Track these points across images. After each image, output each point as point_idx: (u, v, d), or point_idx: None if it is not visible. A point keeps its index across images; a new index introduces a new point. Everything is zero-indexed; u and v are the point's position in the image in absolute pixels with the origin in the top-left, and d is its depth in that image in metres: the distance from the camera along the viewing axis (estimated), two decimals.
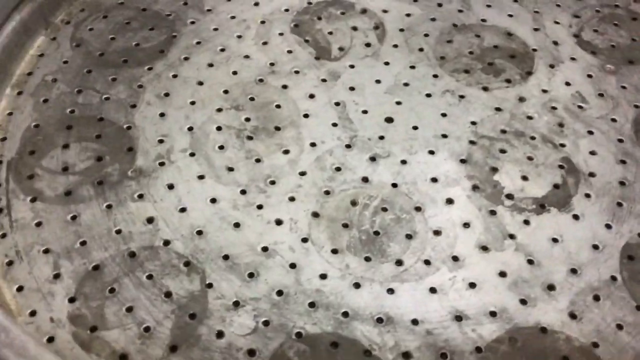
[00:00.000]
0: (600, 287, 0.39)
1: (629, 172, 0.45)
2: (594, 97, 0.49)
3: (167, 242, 0.41)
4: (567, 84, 0.50)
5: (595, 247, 0.41)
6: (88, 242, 0.41)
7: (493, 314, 0.38)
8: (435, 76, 0.50)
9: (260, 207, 0.42)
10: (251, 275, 0.39)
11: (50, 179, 0.44)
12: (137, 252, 0.40)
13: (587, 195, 0.43)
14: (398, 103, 0.48)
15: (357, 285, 0.39)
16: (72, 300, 0.38)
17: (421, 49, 0.52)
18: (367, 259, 0.40)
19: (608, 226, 0.42)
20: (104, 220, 0.42)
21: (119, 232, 0.41)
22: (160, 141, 0.46)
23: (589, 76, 0.50)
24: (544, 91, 0.49)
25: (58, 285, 0.39)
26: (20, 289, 0.39)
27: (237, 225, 0.42)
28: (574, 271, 0.40)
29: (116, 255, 0.40)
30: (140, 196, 0.43)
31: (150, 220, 0.42)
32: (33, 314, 0.38)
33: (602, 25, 0.54)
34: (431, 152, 0.46)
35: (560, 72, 0.51)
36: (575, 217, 0.42)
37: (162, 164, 0.44)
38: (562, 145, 0.46)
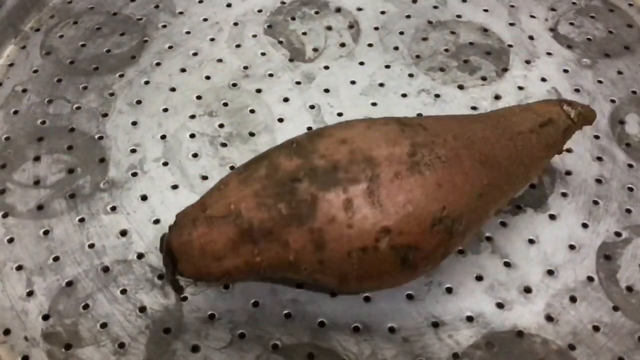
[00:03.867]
0: (577, 288, 0.39)
1: (605, 169, 0.44)
2: (570, 93, 0.49)
3: (140, 255, 0.40)
4: (543, 79, 0.49)
5: (572, 247, 0.41)
6: (61, 258, 0.40)
7: (470, 318, 0.38)
8: (410, 75, 0.50)
9: None
10: (226, 287, 0.39)
11: (22, 194, 0.43)
12: (110, 267, 0.40)
13: (564, 195, 0.43)
14: (373, 104, 0.48)
15: (332, 294, 0.39)
16: (45, 317, 0.38)
17: (396, 48, 0.51)
18: None
19: (584, 225, 0.42)
20: (77, 235, 0.41)
21: (91, 246, 0.41)
22: (133, 151, 0.45)
23: (565, 71, 0.50)
24: (520, 88, 0.49)
25: (31, 303, 0.39)
26: None
27: None
28: (550, 272, 0.40)
29: (89, 270, 0.40)
30: (113, 208, 0.42)
31: (123, 233, 0.41)
32: (7, 332, 0.38)
33: (578, 18, 0.54)
34: None
35: (536, 67, 0.50)
36: (552, 216, 0.42)
37: (134, 174, 0.44)
38: None
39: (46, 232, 0.41)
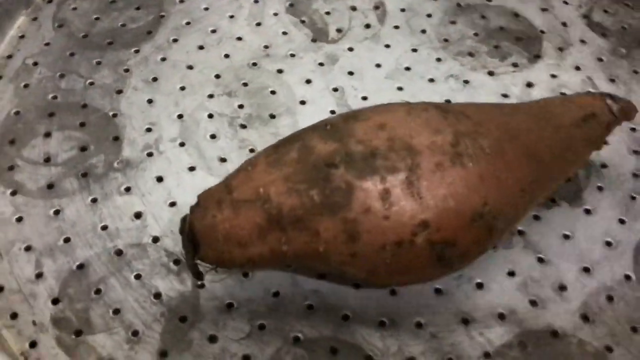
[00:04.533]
0: (614, 286, 0.37)
1: None
2: (605, 83, 0.47)
3: (156, 239, 0.38)
4: (577, 68, 0.47)
5: (608, 243, 0.39)
6: (72, 239, 0.38)
7: (501, 316, 0.36)
8: (438, 60, 0.47)
9: None
10: (246, 275, 0.37)
11: (31, 171, 0.41)
12: (124, 250, 0.38)
13: (600, 188, 0.41)
14: (399, 89, 0.46)
15: (357, 286, 0.37)
16: (55, 301, 0.36)
17: (423, 31, 0.49)
18: None
19: (621, 221, 0.40)
20: (89, 216, 0.39)
21: (104, 228, 0.39)
22: (148, 130, 0.43)
23: (600, 60, 0.48)
24: (553, 76, 0.47)
25: (40, 286, 0.37)
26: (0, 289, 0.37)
27: None
28: (586, 270, 0.38)
29: (102, 253, 0.38)
30: (127, 189, 0.40)
31: (138, 215, 0.39)
32: (14, 316, 0.36)
33: (613, 5, 0.52)
34: None
35: (570, 55, 0.48)
36: (587, 211, 0.40)
37: (150, 154, 0.42)
38: None
39: (57, 212, 0.39)
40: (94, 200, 0.40)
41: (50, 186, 0.40)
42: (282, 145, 0.32)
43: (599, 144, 0.38)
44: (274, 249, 0.31)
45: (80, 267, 0.37)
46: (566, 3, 0.51)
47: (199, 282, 0.36)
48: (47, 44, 0.48)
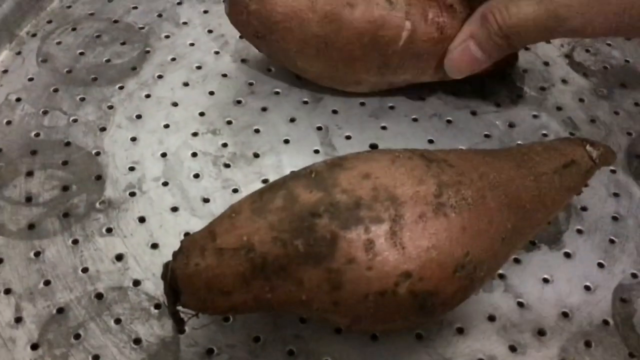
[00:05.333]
0: (592, 332, 0.38)
1: (622, 206, 0.43)
2: (585, 124, 0.47)
3: (137, 282, 0.38)
4: (559, 108, 0.48)
5: (587, 288, 0.39)
6: (52, 282, 0.38)
7: None
8: (422, 99, 0.48)
9: None
10: (227, 319, 0.37)
11: (12, 211, 0.41)
12: (104, 293, 0.38)
13: (579, 231, 0.42)
14: (383, 128, 0.46)
15: (338, 331, 0.37)
16: (34, 347, 0.36)
17: None
18: None
19: (600, 265, 0.40)
20: (70, 258, 0.39)
21: (85, 270, 0.39)
22: (131, 169, 0.43)
23: (581, 100, 0.49)
24: (535, 116, 0.47)
25: (20, 331, 0.36)
26: None
27: None
28: (565, 314, 0.38)
29: (82, 296, 0.38)
30: (109, 230, 0.40)
31: (119, 257, 0.39)
32: None
33: (594, 45, 0.52)
34: None
35: (551, 95, 0.49)
36: (567, 254, 0.41)
37: (132, 194, 0.42)
38: None
39: (37, 254, 0.39)
40: (75, 242, 0.40)
41: (31, 227, 0.40)
42: (267, 192, 0.32)
43: (578, 189, 0.38)
44: (257, 296, 0.31)
45: (60, 311, 0.37)
46: (548, 42, 0.52)
47: (181, 329, 0.36)
48: (30, 79, 0.48)
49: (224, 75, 0.48)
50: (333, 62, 0.43)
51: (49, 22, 0.51)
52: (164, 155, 0.44)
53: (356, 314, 0.31)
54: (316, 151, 0.45)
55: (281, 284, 0.30)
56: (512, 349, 0.37)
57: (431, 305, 0.31)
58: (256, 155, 0.44)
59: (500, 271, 0.40)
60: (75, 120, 0.45)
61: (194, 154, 0.44)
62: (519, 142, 0.46)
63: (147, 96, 0.47)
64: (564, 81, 0.50)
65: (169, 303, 0.32)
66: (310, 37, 0.41)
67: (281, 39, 0.42)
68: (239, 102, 0.47)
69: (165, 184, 0.42)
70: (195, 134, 0.45)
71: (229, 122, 0.46)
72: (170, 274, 0.31)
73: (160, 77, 0.48)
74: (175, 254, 0.32)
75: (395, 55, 0.42)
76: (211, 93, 0.47)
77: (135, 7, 0.52)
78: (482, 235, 0.32)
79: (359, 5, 0.41)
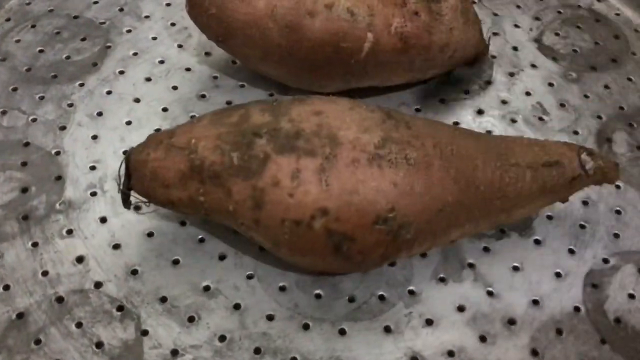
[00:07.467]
0: (563, 319, 0.37)
1: (592, 190, 0.42)
2: (555, 108, 0.47)
3: (98, 284, 0.37)
4: (528, 93, 0.47)
5: (558, 274, 0.39)
6: (12, 287, 0.37)
7: (451, 353, 0.36)
8: (389, 88, 0.47)
9: (202, 240, 0.39)
10: (191, 319, 0.36)
11: None
12: (65, 297, 0.37)
13: (549, 217, 0.41)
14: None
15: (306, 327, 0.36)
16: None
17: None
18: (318, 297, 0.38)
19: (571, 251, 0.40)
20: (29, 261, 0.38)
21: (45, 274, 0.38)
22: (92, 168, 0.42)
23: (550, 85, 0.48)
24: (504, 102, 0.47)
25: None
26: None
27: (176, 262, 0.38)
28: (535, 302, 0.38)
29: (42, 301, 0.37)
30: (69, 232, 0.39)
31: (80, 259, 0.38)
32: None
33: (564, 28, 0.52)
34: None
35: (520, 80, 0.48)
36: (537, 241, 0.40)
37: (93, 194, 0.41)
38: None
39: None
40: (35, 244, 0.39)
41: None
42: (230, 109, 0.35)
43: (561, 196, 0.37)
44: (192, 197, 0.34)
45: (20, 316, 0.36)
46: (517, 26, 0.51)
47: (125, 206, 0.37)
48: None
49: (188, 69, 0.47)
50: (296, 69, 0.42)
51: (7, 19, 0.50)
52: (126, 153, 0.43)
53: (275, 238, 0.33)
54: None
55: (213, 190, 0.33)
56: (482, 339, 0.36)
57: (347, 249, 0.33)
58: None
59: (469, 260, 0.39)
60: (34, 120, 0.44)
61: None
62: (488, 130, 0.45)
63: (109, 92, 0.46)
64: (534, 66, 0.49)
65: (122, 182, 0.35)
66: (272, 46, 0.40)
67: (242, 44, 0.41)
68: (203, 96, 0.46)
69: None
70: (158, 130, 0.44)
71: (193, 117, 0.45)
72: (127, 157, 0.35)
73: (121, 72, 0.47)
74: (139, 143, 0.35)
75: (358, 65, 0.41)
76: (174, 88, 0.46)
77: (96, 2, 0.51)
78: (414, 198, 0.33)
79: (319, 15, 0.39)
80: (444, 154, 0.34)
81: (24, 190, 0.41)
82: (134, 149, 0.35)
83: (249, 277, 0.38)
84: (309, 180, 0.32)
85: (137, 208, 0.40)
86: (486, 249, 0.40)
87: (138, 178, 0.35)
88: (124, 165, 0.35)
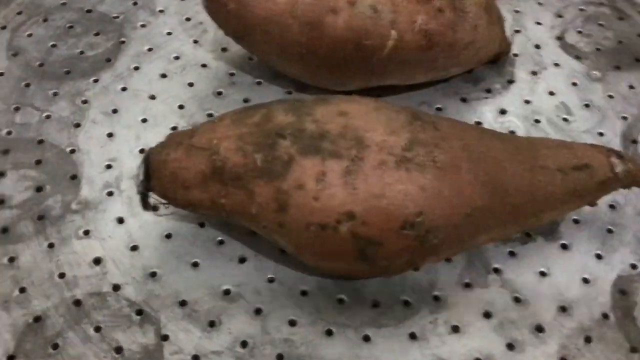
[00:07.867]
0: (592, 327, 0.36)
1: (619, 193, 0.41)
2: (579, 108, 0.46)
3: (116, 287, 0.36)
4: (551, 93, 0.46)
5: (586, 280, 0.38)
6: (28, 289, 0.36)
7: None
8: (410, 87, 0.46)
9: (221, 242, 0.38)
10: (212, 324, 0.36)
11: None
12: (82, 300, 0.36)
13: (576, 222, 0.40)
14: None
15: (329, 332, 0.36)
16: (11, 358, 0.34)
17: None
18: (340, 301, 0.37)
19: (598, 256, 0.39)
20: (46, 263, 0.37)
21: (62, 276, 0.37)
22: (108, 166, 0.41)
23: (574, 84, 0.47)
24: (527, 102, 0.46)
25: None
26: None
27: (195, 264, 0.38)
28: (563, 309, 0.37)
29: (59, 304, 0.36)
30: (86, 233, 0.38)
31: (97, 261, 0.37)
32: None
33: (586, 25, 0.51)
34: None
35: (543, 79, 0.47)
36: (564, 246, 0.39)
37: (110, 193, 0.40)
38: None
39: (11, 260, 0.37)
40: (51, 246, 0.38)
41: (4, 230, 0.38)
42: (252, 108, 0.34)
43: (590, 199, 0.36)
44: (213, 199, 0.33)
45: (37, 319, 0.35)
46: (539, 24, 0.50)
47: (144, 207, 0.35)
48: (1, 74, 0.45)
49: (204, 66, 0.46)
50: (315, 67, 0.41)
51: (19, 13, 0.49)
52: (142, 151, 0.42)
53: (299, 242, 0.32)
54: None
55: (235, 192, 0.32)
56: (510, 346, 0.36)
57: (373, 255, 0.32)
58: None
59: (494, 265, 0.38)
60: (48, 117, 0.43)
61: None
62: (510, 130, 0.44)
63: (123, 89, 0.45)
64: (557, 64, 0.48)
65: (140, 184, 0.34)
66: (291, 43, 0.39)
67: (261, 41, 0.40)
68: (219, 93, 0.45)
69: None
70: (174, 128, 0.43)
71: (210, 115, 0.44)
72: (146, 157, 0.34)
73: (136, 68, 0.46)
74: (158, 143, 0.35)
75: (380, 63, 0.40)
76: (190, 84, 0.45)
77: None
78: (443, 202, 0.32)
79: (342, 12, 0.38)
80: (472, 157, 0.33)
81: (39, 189, 0.40)
82: (153, 149, 0.34)
83: (270, 280, 0.37)
84: (335, 183, 0.31)
85: (155, 209, 0.38)
86: (512, 254, 0.39)
87: (158, 179, 0.34)
88: (142, 166, 0.34)
